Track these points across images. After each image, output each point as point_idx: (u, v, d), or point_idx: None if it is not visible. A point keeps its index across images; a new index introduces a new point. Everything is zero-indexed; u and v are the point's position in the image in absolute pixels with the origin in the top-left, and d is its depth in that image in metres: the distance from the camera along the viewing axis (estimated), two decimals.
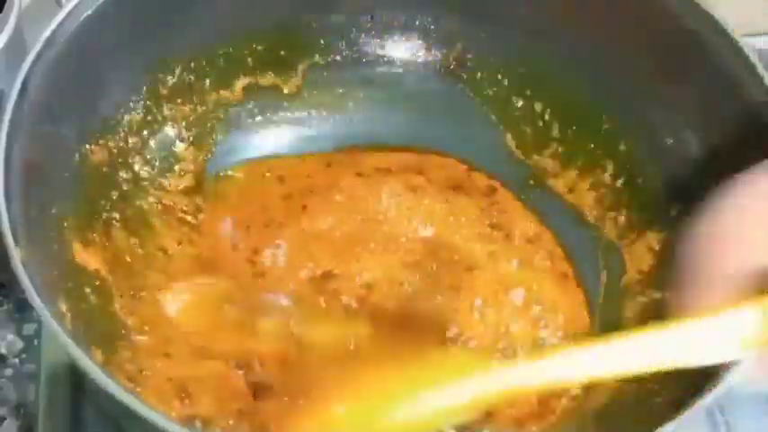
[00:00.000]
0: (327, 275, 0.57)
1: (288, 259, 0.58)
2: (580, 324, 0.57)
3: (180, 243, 0.57)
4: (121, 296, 0.52)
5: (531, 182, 0.62)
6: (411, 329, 0.55)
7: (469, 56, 0.63)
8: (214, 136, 0.61)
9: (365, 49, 0.64)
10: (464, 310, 0.56)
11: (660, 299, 0.54)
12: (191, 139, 0.60)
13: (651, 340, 0.37)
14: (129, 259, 0.54)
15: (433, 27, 0.63)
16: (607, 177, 0.59)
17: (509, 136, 0.63)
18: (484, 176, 0.62)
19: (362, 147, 0.63)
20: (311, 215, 0.59)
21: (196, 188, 0.59)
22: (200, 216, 0.59)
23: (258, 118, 0.63)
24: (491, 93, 0.63)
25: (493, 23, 0.62)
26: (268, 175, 0.61)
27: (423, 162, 0.63)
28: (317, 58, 0.63)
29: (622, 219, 0.58)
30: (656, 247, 0.56)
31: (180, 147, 0.60)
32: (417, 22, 0.63)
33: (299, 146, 0.63)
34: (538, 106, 0.63)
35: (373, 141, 0.63)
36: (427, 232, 0.60)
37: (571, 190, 0.61)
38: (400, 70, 0.64)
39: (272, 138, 0.63)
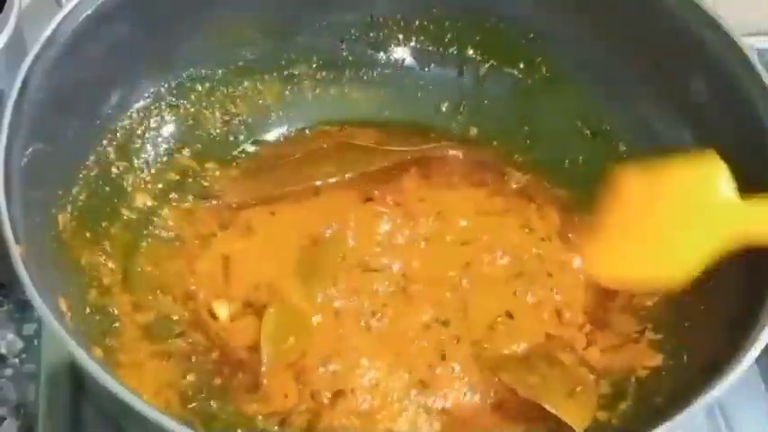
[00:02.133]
0: None
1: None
2: None
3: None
4: (123, 295, 0.52)
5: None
6: None
7: (470, 56, 0.64)
8: (214, 136, 0.61)
9: (365, 50, 0.64)
10: None
11: None
12: (191, 139, 0.60)
13: None
14: (129, 258, 0.54)
15: (433, 28, 0.64)
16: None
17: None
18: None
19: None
20: None
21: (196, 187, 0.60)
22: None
23: (259, 118, 0.63)
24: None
25: (493, 24, 0.62)
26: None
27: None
28: (315, 58, 0.63)
29: None
30: None
31: (180, 147, 0.60)
32: (417, 23, 0.63)
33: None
34: None
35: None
36: None
37: None
38: (400, 70, 0.64)
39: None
